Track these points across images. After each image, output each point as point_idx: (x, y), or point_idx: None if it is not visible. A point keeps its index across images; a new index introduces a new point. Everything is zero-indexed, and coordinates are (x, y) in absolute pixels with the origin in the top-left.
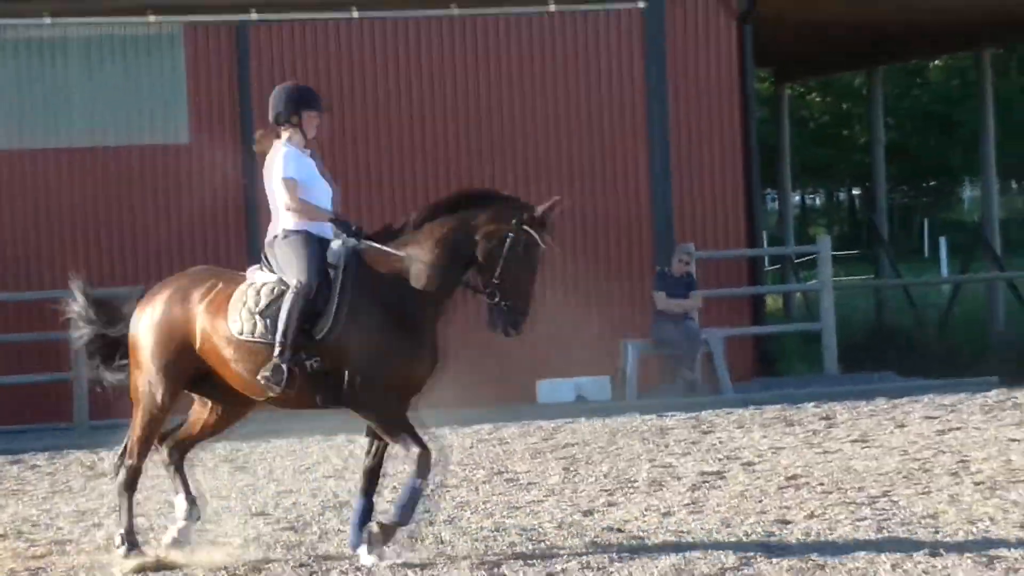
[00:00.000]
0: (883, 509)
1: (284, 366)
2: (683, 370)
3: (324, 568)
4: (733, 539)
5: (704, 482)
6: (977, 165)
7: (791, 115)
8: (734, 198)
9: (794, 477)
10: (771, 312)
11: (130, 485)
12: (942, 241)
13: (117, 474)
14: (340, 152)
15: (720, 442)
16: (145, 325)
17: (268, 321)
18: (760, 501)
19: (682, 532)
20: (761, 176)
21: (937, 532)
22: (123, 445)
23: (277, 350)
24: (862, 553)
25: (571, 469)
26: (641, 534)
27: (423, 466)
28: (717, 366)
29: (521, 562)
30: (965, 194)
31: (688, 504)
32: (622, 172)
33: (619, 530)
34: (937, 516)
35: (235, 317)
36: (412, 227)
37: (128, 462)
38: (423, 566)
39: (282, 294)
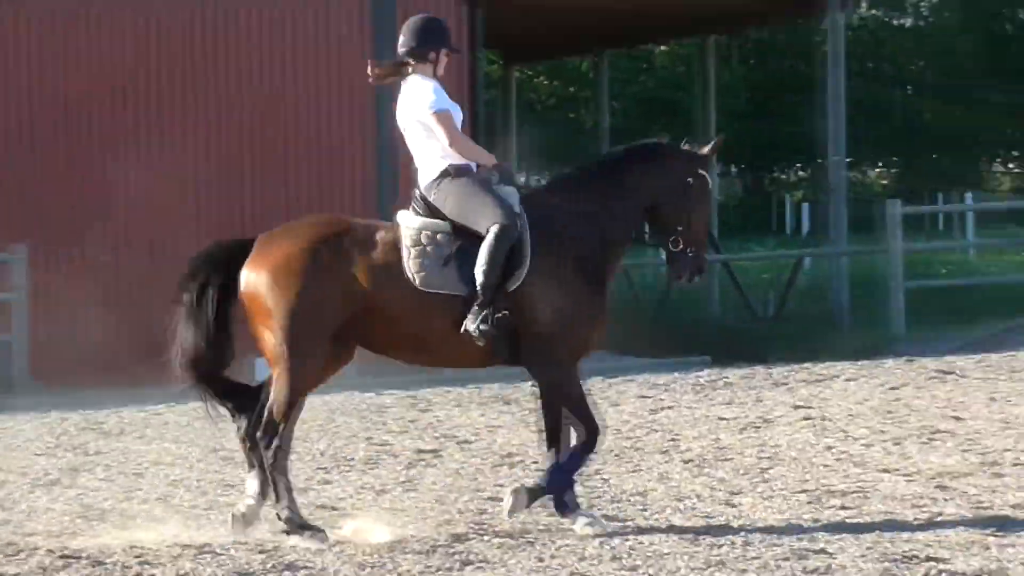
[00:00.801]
0: (594, 487)
1: (491, 317)
2: None
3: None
4: (446, 516)
5: (420, 460)
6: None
7: (519, 97)
8: None
9: (509, 455)
10: None
11: (282, 460)
12: None
13: (265, 449)
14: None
15: (438, 420)
16: (287, 279)
17: (458, 270)
18: (475, 479)
19: (396, 510)
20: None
21: (645, 509)
22: (261, 417)
23: (481, 299)
24: (571, 530)
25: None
26: (355, 511)
27: (592, 441)
28: None
29: (232, 540)
30: None
31: (403, 482)
32: (349, 147)
33: (333, 508)
34: (646, 494)
35: (417, 267)
36: (577, 179)
37: (273, 434)
38: (132, 544)
39: (464, 240)
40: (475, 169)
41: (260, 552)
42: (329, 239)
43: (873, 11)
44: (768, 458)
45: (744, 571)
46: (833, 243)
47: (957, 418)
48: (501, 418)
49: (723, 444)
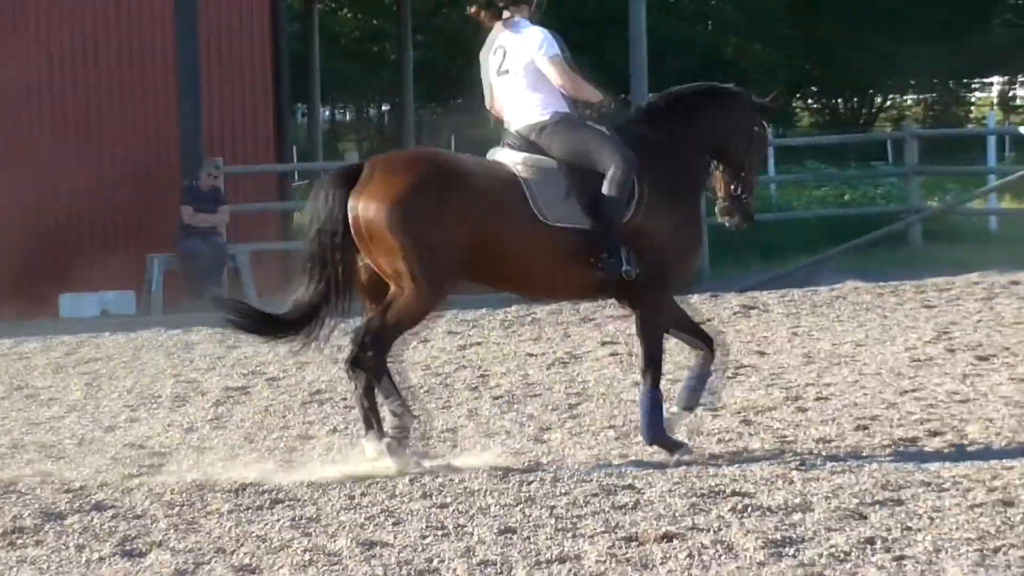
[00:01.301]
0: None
1: (622, 250)
2: (209, 285)
3: None
4: (255, 454)
5: (228, 397)
6: None
7: (322, 30)
8: (264, 113)
9: (318, 392)
10: (299, 228)
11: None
12: None
13: (365, 368)
14: None
15: (246, 357)
16: (414, 214)
17: (580, 204)
18: (284, 416)
19: (204, 448)
20: (291, 91)
21: (456, 446)
22: (360, 337)
23: (615, 235)
24: (382, 466)
25: (93, 384)
26: (163, 450)
27: (714, 356)
28: (244, 281)
29: (40, 479)
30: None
31: (212, 420)
32: (151, 84)
33: (140, 446)
34: (456, 430)
35: (544, 202)
36: (658, 113)
37: (382, 351)
38: None
39: (577, 177)
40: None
41: (67, 491)
42: (449, 173)
43: None
44: (576, 394)
45: (553, 507)
46: None
47: (761, 353)
48: (309, 354)
49: (532, 380)
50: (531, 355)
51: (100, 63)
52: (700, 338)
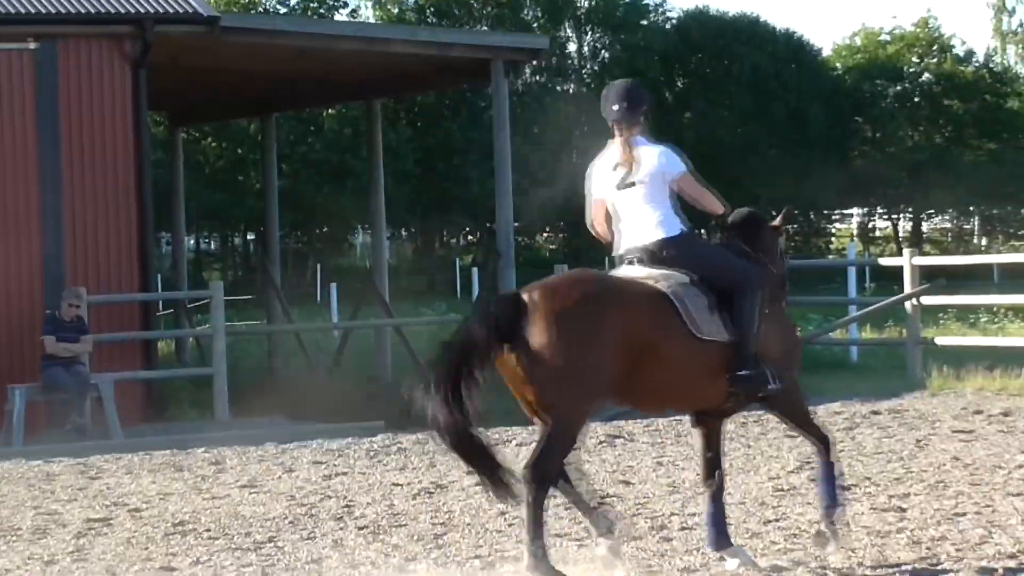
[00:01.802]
0: (268, 555)
1: (760, 361)
2: (73, 415)
3: None
4: None
5: (90, 529)
6: (367, 213)
7: (186, 159)
8: (127, 241)
9: (181, 523)
10: (164, 356)
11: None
12: (333, 287)
13: (535, 489)
14: None
15: (108, 488)
16: (575, 330)
17: (721, 318)
18: (146, 548)
19: None
20: (155, 219)
21: None
22: (533, 459)
23: (752, 346)
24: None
25: None
26: None
27: (832, 449)
28: (107, 411)
29: None
30: (357, 240)
31: (72, 552)
32: (13, 213)
33: None
34: (321, 561)
35: (694, 315)
36: (737, 234)
37: (542, 477)
38: None
39: (711, 291)
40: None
41: None
42: (606, 294)
43: (537, 78)
44: (442, 524)
45: None
46: None
47: (626, 482)
48: (172, 485)
49: (397, 510)
50: (397, 485)
51: None
52: (817, 434)
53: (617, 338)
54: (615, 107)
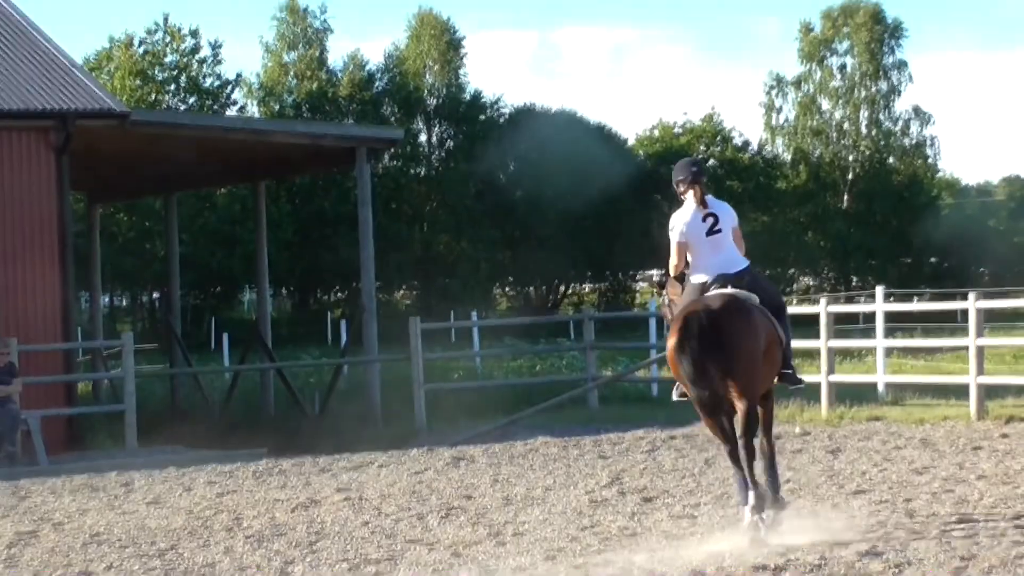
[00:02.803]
0: (171, 560)
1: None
2: (5, 445)
3: None
4: None
5: (20, 540)
6: (254, 274)
7: (102, 230)
8: (52, 299)
9: (97, 534)
10: (83, 395)
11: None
12: (225, 336)
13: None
14: None
15: (35, 506)
16: (765, 329)
17: (783, 328)
18: (68, 556)
19: None
20: (75, 280)
21: None
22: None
23: (790, 350)
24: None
25: None
26: None
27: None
28: (35, 442)
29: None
30: (245, 297)
31: (5, 559)
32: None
33: None
34: (214, 565)
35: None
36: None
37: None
38: None
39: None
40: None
41: None
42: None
43: (395, 162)
44: (316, 533)
45: None
46: (367, 352)
47: (468, 497)
48: (90, 503)
49: (279, 521)
50: (278, 500)
51: None
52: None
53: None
54: (695, 169)
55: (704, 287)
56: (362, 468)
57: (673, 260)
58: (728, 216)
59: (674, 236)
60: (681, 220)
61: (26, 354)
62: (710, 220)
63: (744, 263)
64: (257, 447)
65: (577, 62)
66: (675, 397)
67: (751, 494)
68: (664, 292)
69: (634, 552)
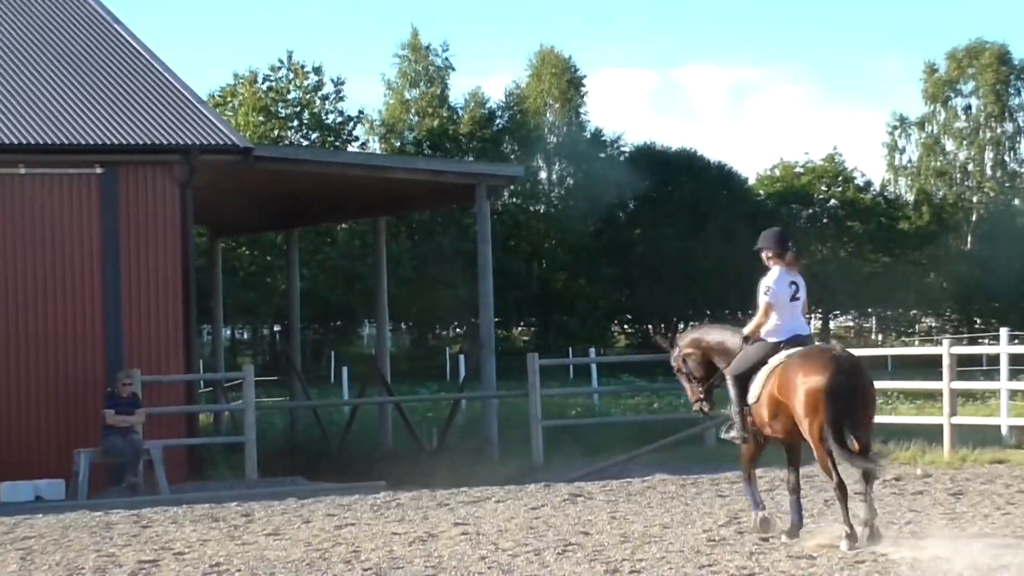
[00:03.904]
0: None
1: None
2: (128, 475)
3: None
4: None
5: (141, 569)
6: (373, 309)
7: (224, 265)
8: (175, 332)
9: (217, 564)
10: (204, 426)
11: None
12: (344, 370)
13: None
14: None
15: (157, 535)
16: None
17: None
18: None
19: None
20: (198, 314)
21: None
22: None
23: None
24: None
25: (27, 559)
26: None
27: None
28: (157, 472)
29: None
30: (364, 332)
31: None
32: (81, 309)
33: None
34: None
35: None
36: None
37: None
38: None
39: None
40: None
41: None
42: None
43: (514, 200)
44: (432, 567)
45: None
46: (485, 388)
47: (585, 533)
48: (210, 533)
49: (396, 555)
50: (396, 534)
51: (40, 294)
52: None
53: None
54: (790, 244)
55: (777, 347)
56: (480, 503)
57: (760, 319)
58: (804, 287)
59: (767, 298)
60: (773, 282)
61: (149, 385)
62: (793, 287)
63: (809, 330)
64: (375, 480)
65: (698, 101)
66: (726, 435)
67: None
68: (678, 348)
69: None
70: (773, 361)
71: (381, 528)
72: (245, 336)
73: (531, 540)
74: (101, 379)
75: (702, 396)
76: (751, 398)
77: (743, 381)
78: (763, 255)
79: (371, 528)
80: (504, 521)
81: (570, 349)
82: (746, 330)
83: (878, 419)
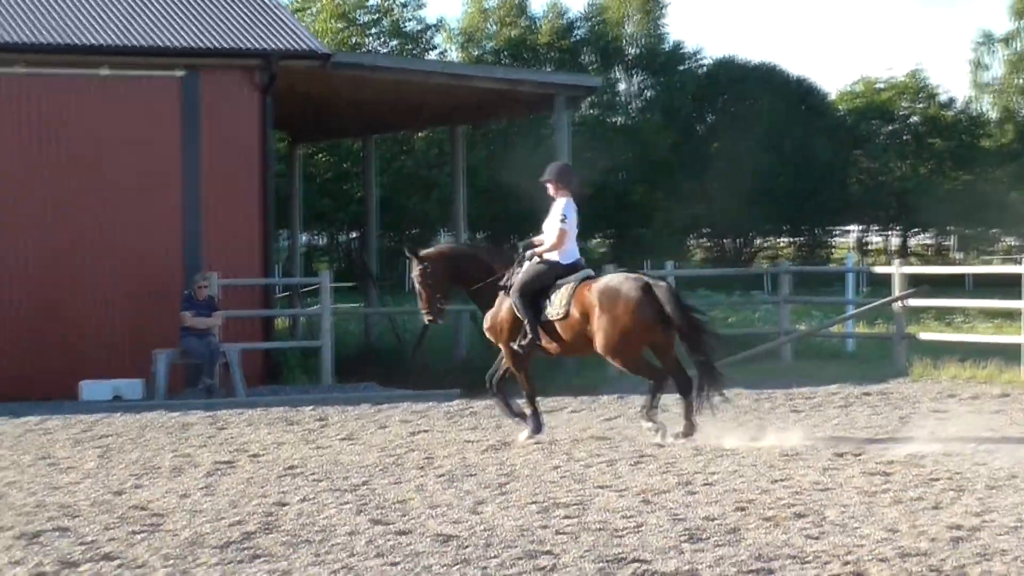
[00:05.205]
0: (363, 495)
1: None
2: (204, 377)
3: None
4: (239, 517)
5: (217, 470)
6: (450, 218)
7: (302, 171)
8: (253, 235)
9: (292, 467)
10: (280, 331)
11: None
12: None
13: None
14: None
15: (232, 437)
16: None
17: None
18: (263, 487)
19: (196, 511)
20: (276, 219)
21: (405, 515)
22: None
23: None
24: (344, 529)
25: (106, 456)
26: (162, 511)
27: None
28: (233, 374)
29: (58, 534)
30: (440, 240)
31: (203, 488)
32: (159, 212)
33: (143, 508)
34: (406, 502)
35: None
36: None
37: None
38: None
39: None
40: None
41: (81, 544)
42: None
43: (592, 110)
44: (506, 474)
45: (485, 568)
46: None
47: (659, 445)
48: (285, 436)
49: (469, 462)
50: (469, 441)
51: (119, 197)
52: None
53: None
54: (574, 177)
55: (567, 268)
56: (553, 413)
57: (556, 243)
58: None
59: (564, 225)
60: (570, 211)
61: (226, 288)
62: (577, 217)
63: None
64: (449, 388)
65: (780, 14)
66: (517, 346)
67: None
68: (425, 261)
69: (826, 507)
70: (572, 280)
71: (455, 436)
72: (321, 242)
73: (604, 451)
74: (179, 282)
75: (439, 307)
76: (553, 313)
77: (531, 297)
78: (549, 187)
79: (445, 435)
80: (578, 431)
81: (647, 262)
82: (542, 251)
83: (958, 337)
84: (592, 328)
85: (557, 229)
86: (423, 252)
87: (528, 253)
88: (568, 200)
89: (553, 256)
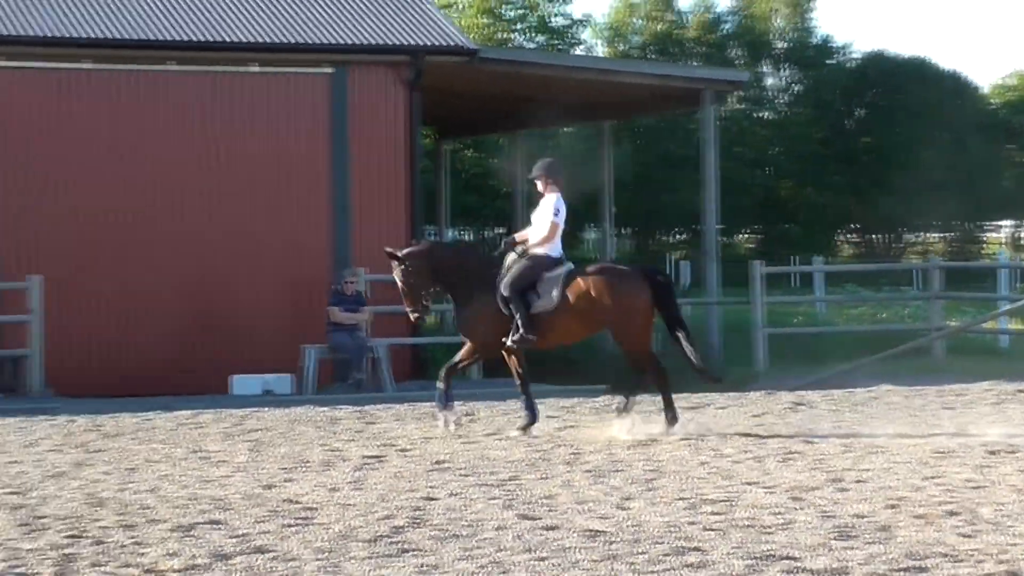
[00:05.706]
0: (510, 490)
1: None
2: (353, 372)
3: (43, 527)
4: (388, 512)
5: (366, 464)
6: (597, 213)
7: (449, 166)
8: (400, 231)
9: (440, 462)
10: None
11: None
12: None
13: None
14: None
15: (381, 431)
16: None
17: None
18: (411, 481)
19: (346, 505)
20: (423, 215)
21: (553, 510)
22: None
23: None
24: (491, 524)
25: (256, 450)
26: (313, 505)
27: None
28: (382, 370)
29: (210, 526)
30: (587, 236)
31: (352, 482)
32: (308, 208)
33: (294, 502)
34: (553, 497)
35: None
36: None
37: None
38: (128, 526)
39: None
40: None
41: (233, 537)
42: None
43: (739, 105)
44: (654, 470)
45: (633, 564)
46: (708, 295)
47: (808, 442)
48: (433, 431)
49: (617, 458)
50: (616, 437)
51: (269, 192)
52: None
53: None
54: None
55: (555, 262)
56: (700, 408)
57: (548, 237)
58: None
59: (557, 219)
60: (562, 206)
61: (374, 284)
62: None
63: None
64: (596, 384)
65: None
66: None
67: None
68: (406, 262)
69: (980, 505)
70: (561, 272)
71: (602, 431)
72: (468, 237)
73: (752, 447)
74: (328, 277)
75: (425, 305)
76: (542, 306)
77: (522, 291)
78: (538, 182)
79: (592, 431)
80: (726, 427)
81: (794, 258)
82: (531, 245)
83: None
84: (600, 318)
85: (549, 223)
86: (402, 252)
87: (519, 249)
88: (558, 195)
89: (542, 250)
